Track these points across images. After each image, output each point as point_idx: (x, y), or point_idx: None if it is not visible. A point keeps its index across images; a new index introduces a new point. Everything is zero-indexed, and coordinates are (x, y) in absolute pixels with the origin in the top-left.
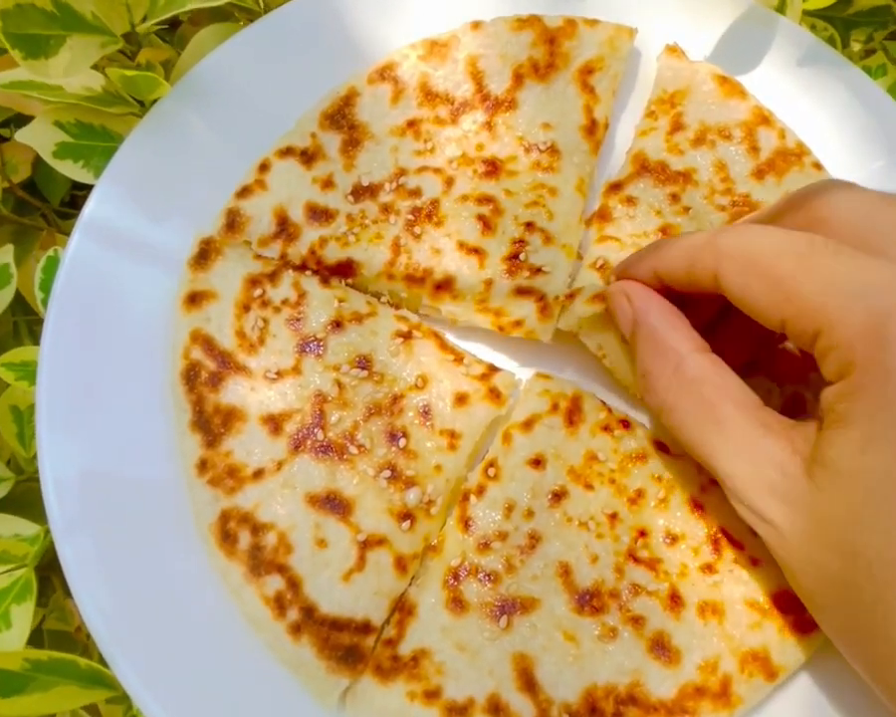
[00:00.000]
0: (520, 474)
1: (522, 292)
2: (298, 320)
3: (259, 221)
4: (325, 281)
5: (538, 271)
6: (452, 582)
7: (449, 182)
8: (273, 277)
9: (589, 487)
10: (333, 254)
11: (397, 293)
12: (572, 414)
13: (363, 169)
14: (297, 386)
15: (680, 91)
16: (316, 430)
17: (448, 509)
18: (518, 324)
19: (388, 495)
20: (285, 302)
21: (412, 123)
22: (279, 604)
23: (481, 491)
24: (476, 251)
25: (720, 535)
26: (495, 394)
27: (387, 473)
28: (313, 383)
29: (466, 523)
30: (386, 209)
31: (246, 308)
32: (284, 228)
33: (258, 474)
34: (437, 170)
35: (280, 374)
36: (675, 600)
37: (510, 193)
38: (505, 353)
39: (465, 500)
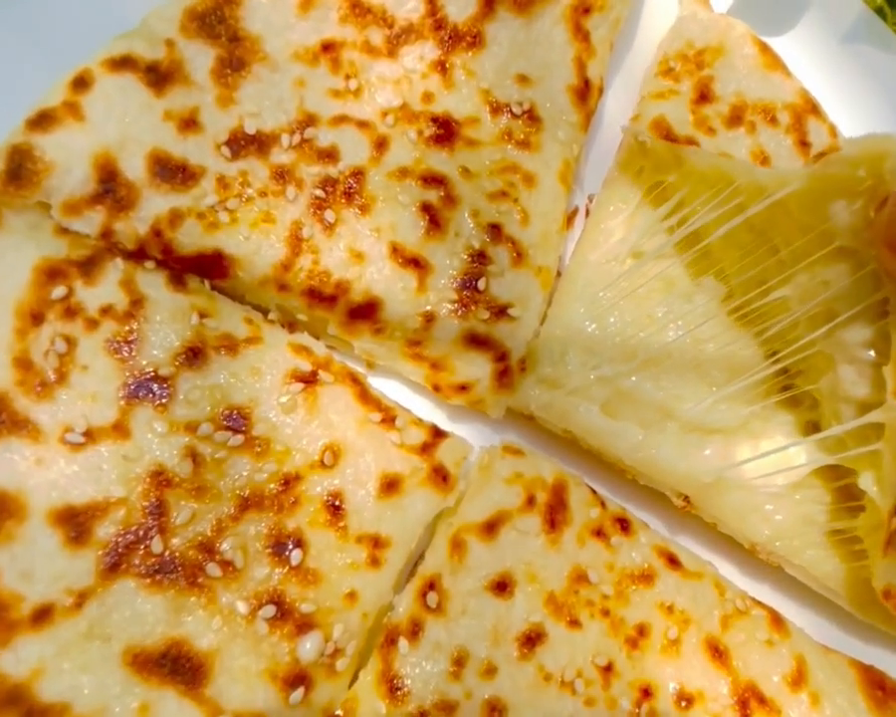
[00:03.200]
0: (476, 605)
1: (476, 342)
2: (128, 343)
3: (67, 172)
4: (177, 281)
5: (501, 311)
6: None
7: (381, 145)
8: (87, 267)
9: (575, 624)
10: (191, 239)
11: (291, 312)
12: (555, 512)
13: (249, 107)
14: (119, 458)
15: (711, 48)
16: (149, 536)
17: (362, 659)
18: (463, 388)
19: (270, 647)
20: (107, 311)
21: (329, 48)
22: None
23: (415, 630)
24: (415, 262)
25: (748, 694)
26: (440, 475)
27: (269, 610)
28: (148, 454)
29: (391, 685)
30: (283, 175)
31: (36, 318)
32: (110, 188)
33: (41, 615)
34: (364, 124)
35: (90, 436)
36: None
37: (468, 173)
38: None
39: (390, 644)
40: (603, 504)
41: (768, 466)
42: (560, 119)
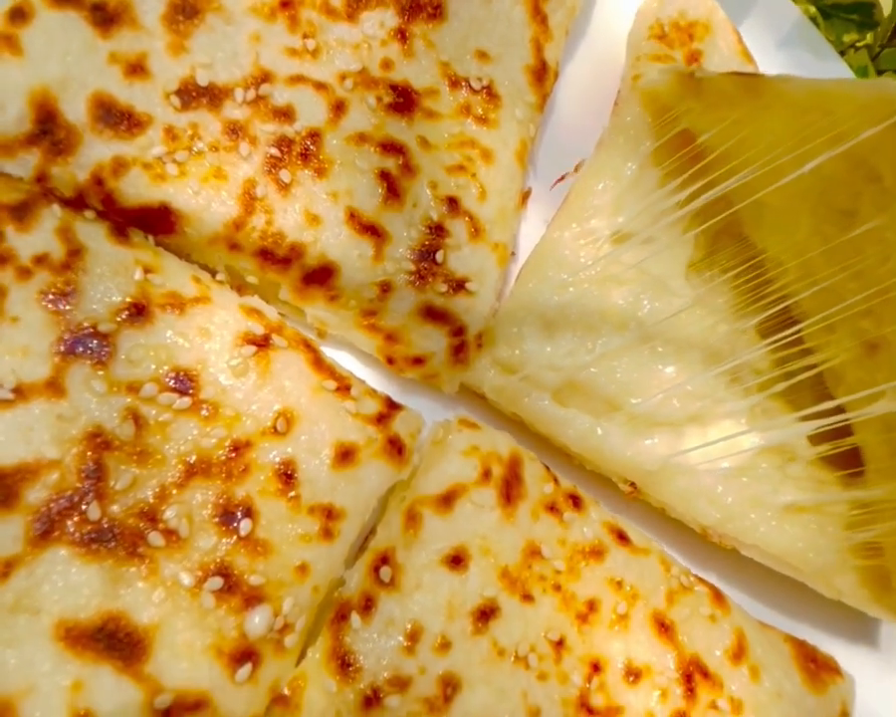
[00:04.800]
0: (431, 579)
1: (433, 315)
2: (64, 295)
3: (0, 108)
4: (118, 233)
5: (459, 285)
6: None
7: (339, 109)
8: (20, 212)
9: (528, 598)
10: (136, 190)
11: (241, 273)
12: (510, 487)
13: (202, 58)
14: (53, 418)
15: (702, 23)
16: (85, 502)
17: (311, 636)
18: (417, 362)
19: (216, 621)
20: (41, 260)
21: (287, 5)
22: None
23: (368, 605)
24: (373, 230)
25: (692, 668)
26: (395, 447)
27: (216, 581)
28: (85, 414)
29: (342, 661)
30: (236, 131)
31: None
32: (49, 129)
33: None
34: (321, 86)
35: (20, 393)
36: None
37: (427, 144)
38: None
39: (341, 620)
40: (556, 480)
41: (714, 452)
42: (517, 97)
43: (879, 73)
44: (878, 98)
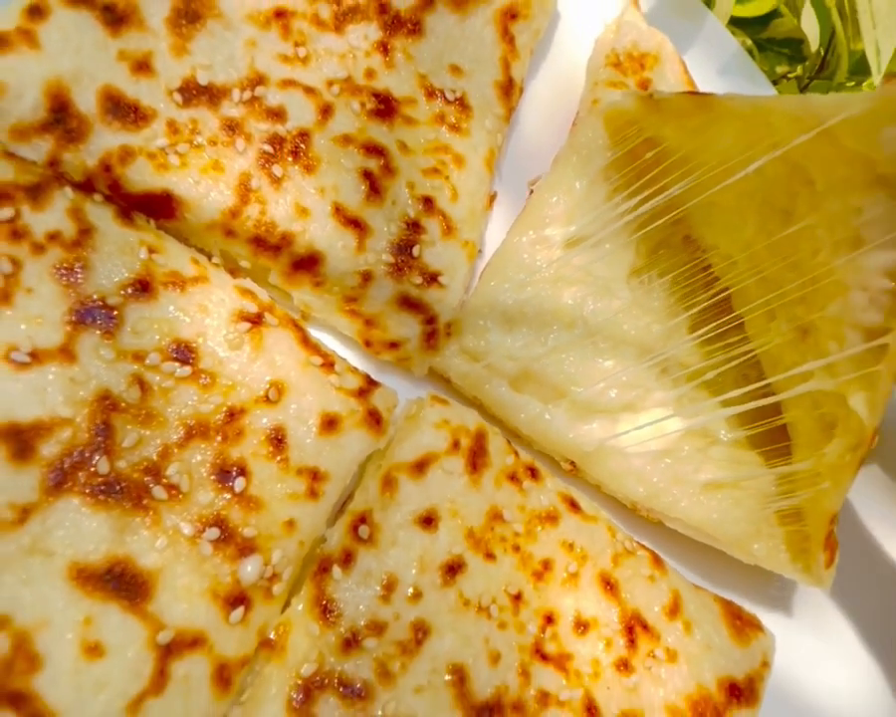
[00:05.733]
0: (405, 537)
1: (408, 304)
2: (75, 270)
3: (17, 97)
4: (124, 216)
5: (433, 278)
6: (300, 700)
7: (326, 112)
8: (35, 193)
9: (490, 557)
10: (141, 177)
11: (234, 258)
12: (476, 457)
13: (202, 59)
14: (66, 380)
15: (651, 55)
16: (95, 457)
17: (295, 586)
18: (393, 345)
19: (213, 567)
20: (54, 237)
21: (281, 15)
22: None
23: (348, 559)
24: (356, 224)
25: (633, 622)
26: (374, 419)
27: (213, 532)
28: (95, 378)
29: (324, 608)
30: (232, 128)
31: None
32: (61, 118)
33: None
34: (310, 90)
35: (36, 357)
36: (591, 713)
37: (406, 148)
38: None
39: (323, 572)
40: (517, 453)
41: (643, 436)
42: (487, 109)
43: None
44: (805, 110)
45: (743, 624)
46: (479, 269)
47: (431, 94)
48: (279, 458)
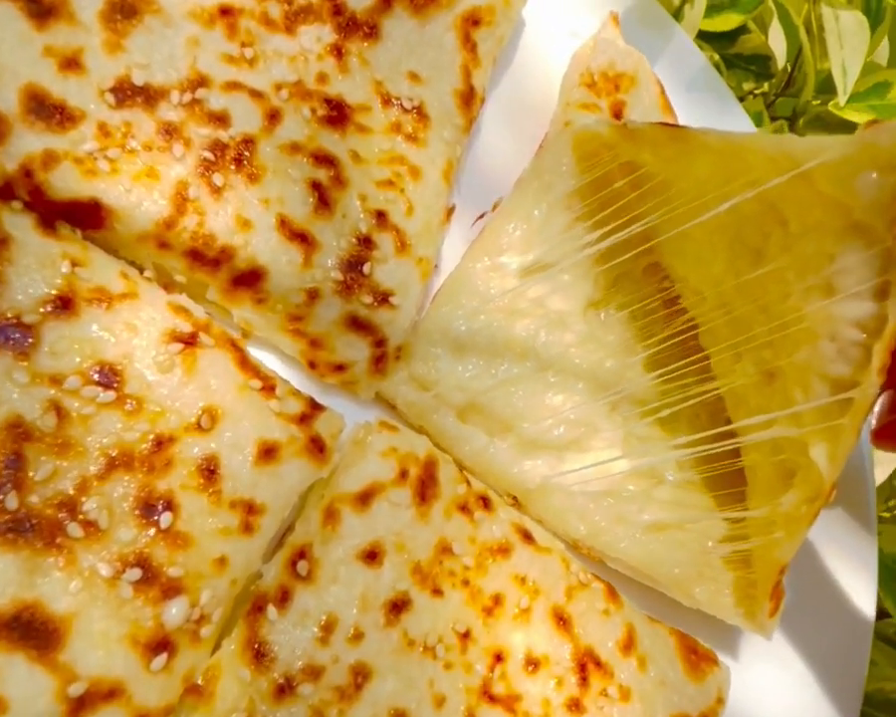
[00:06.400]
0: (347, 573)
1: (357, 325)
2: None
3: None
4: (46, 225)
5: (384, 298)
6: None
7: (273, 117)
8: None
9: (438, 593)
10: (66, 183)
11: (169, 272)
12: (425, 486)
13: (138, 58)
14: None
15: (628, 75)
16: (3, 492)
17: (227, 627)
18: (339, 368)
19: (133, 611)
20: None
21: (227, 13)
22: None
23: (284, 598)
24: (303, 238)
25: (586, 659)
26: (317, 447)
27: (135, 573)
28: (6, 404)
29: (257, 652)
30: (170, 132)
31: None
32: None
33: None
34: (257, 94)
35: None
36: None
37: (359, 158)
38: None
39: (257, 612)
40: (468, 482)
41: (588, 474)
42: (446, 120)
43: (773, 119)
44: (781, 153)
45: (698, 659)
46: (435, 286)
47: (387, 101)
48: (210, 490)
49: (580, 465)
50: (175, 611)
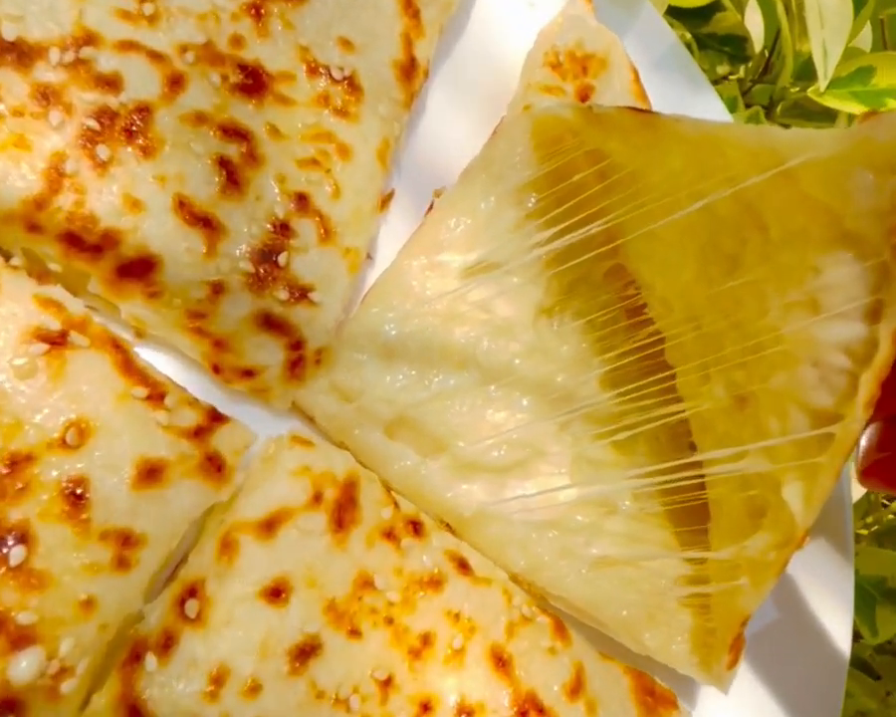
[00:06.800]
0: (245, 614)
1: (270, 324)
2: None
3: None
4: None
5: (302, 294)
6: None
7: (176, 83)
8: None
9: (355, 634)
10: None
11: (41, 259)
12: (344, 511)
13: (10, 8)
14: None
15: (598, 57)
16: None
17: (97, 680)
18: (248, 374)
19: None
20: None
21: None
22: None
23: (168, 644)
24: (206, 222)
25: (528, 705)
26: (214, 465)
27: None
28: None
29: (132, 709)
30: (47, 96)
31: None
32: None
33: None
34: (157, 56)
35: None
36: None
37: (277, 133)
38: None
39: (134, 661)
40: (396, 504)
41: (532, 503)
42: (382, 93)
43: (748, 106)
44: (763, 146)
45: (655, 702)
46: (368, 284)
47: (314, 70)
48: (76, 519)
49: (523, 491)
50: (25, 665)
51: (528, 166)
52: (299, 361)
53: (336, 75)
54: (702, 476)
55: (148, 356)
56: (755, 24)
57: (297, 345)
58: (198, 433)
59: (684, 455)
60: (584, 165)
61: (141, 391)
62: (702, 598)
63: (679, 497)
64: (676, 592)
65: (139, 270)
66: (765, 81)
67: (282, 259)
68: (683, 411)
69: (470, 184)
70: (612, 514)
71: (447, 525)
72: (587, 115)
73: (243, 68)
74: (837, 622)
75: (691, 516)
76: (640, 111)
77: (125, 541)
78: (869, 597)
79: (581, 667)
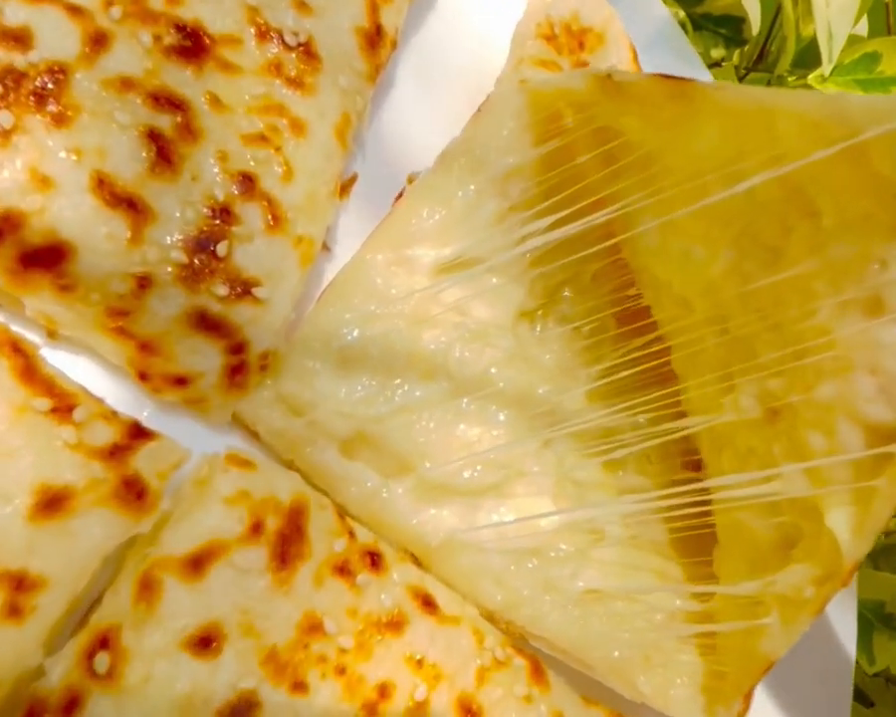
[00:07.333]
0: (167, 669)
1: (206, 325)
2: None
3: None
4: None
5: (245, 290)
6: None
7: (98, 43)
8: None
9: (300, 687)
10: None
11: None
12: (288, 543)
13: None
14: None
15: (595, 32)
16: None
17: None
18: (180, 382)
19: None
20: None
21: None
22: None
23: (70, 707)
24: (130, 204)
25: None
26: (133, 491)
27: None
28: None
29: None
30: None
31: None
32: None
33: None
34: (76, 10)
35: None
36: None
37: (219, 104)
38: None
39: None
40: (352, 533)
41: (510, 529)
42: (343, 63)
43: None
44: (831, 114)
45: None
46: (326, 280)
47: (264, 34)
48: None
49: (499, 517)
50: None
51: (515, 150)
52: (240, 368)
53: (290, 40)
54: (707, 499)
55: (60, 360)
56: (751, 7)
57: (238, 348)
58: (114, 453)
59: (677, 475)
60: (588, 147)
61: (44, 403)
62: (708, 638)
63: (679, 523)
64: (676, 629)
65: (48, 259)
66: (759, 69)
67: (221, 249)
68: (690, 428)
69: (447, 170)
70: (600, 541)
71: (412, 556)
72: (605, 84)
73: (180, 28)
74: (840, 657)
75: (692, 543)
76: (673, 78)
77: (19, 584)
78: (866, 622)
79: (561, 716)
